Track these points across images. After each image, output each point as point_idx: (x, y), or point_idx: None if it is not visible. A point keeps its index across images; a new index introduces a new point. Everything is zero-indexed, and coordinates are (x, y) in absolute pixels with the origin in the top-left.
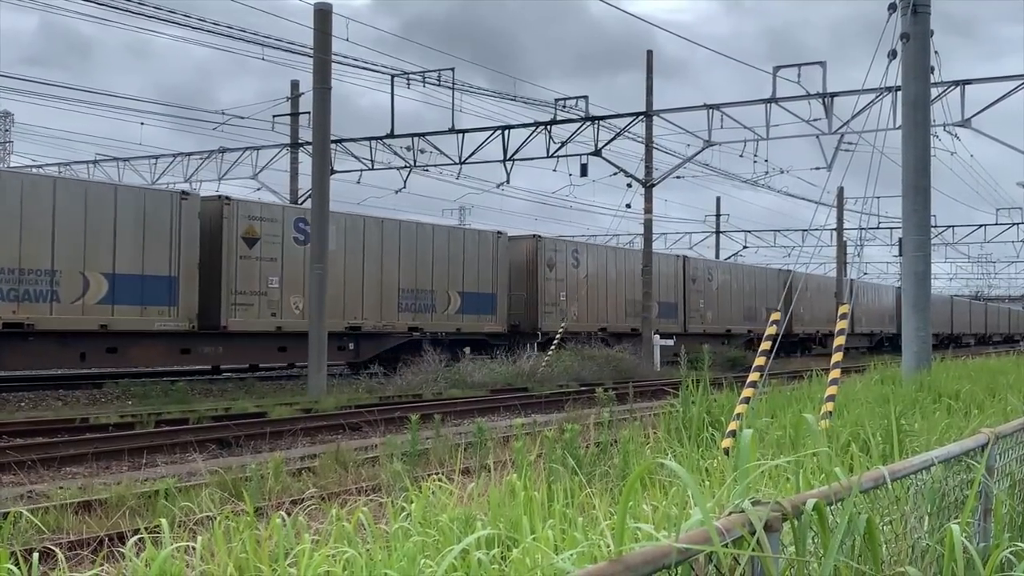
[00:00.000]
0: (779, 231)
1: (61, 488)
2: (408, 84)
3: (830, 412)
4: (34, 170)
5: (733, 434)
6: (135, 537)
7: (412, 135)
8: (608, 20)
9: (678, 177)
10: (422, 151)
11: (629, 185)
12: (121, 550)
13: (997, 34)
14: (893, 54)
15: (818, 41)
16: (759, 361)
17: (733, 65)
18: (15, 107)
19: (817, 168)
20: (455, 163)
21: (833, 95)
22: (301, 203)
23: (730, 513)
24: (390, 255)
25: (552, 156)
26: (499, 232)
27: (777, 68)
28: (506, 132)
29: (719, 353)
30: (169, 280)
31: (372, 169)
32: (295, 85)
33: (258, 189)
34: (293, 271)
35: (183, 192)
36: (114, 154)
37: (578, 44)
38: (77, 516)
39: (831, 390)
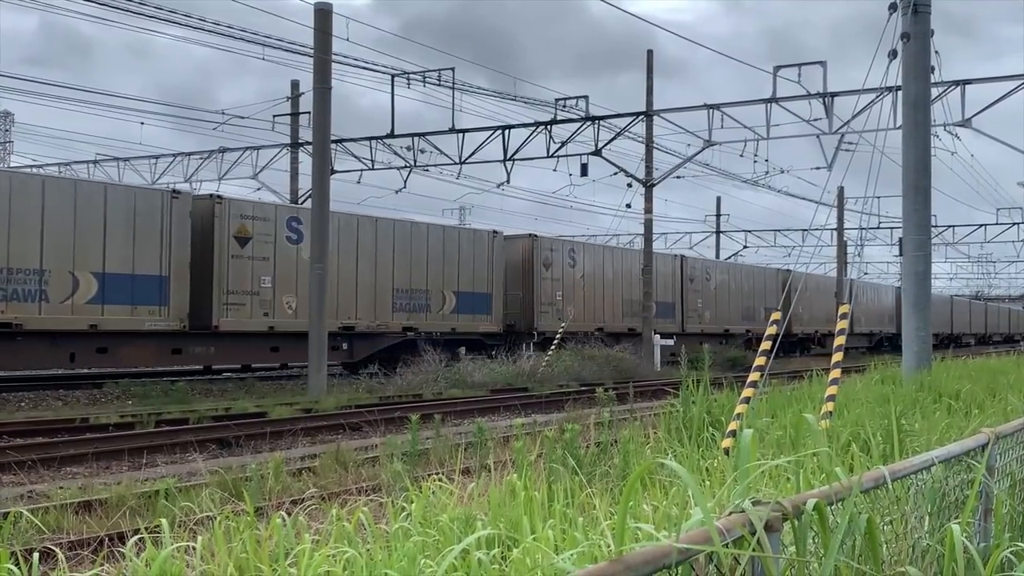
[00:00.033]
0: (779, 231)
1: (61, 488)
2: (408, 84)
3: (830, 412)
4: (34, 170)
5: (733, 434)
6: (135, 537)
7: (412, 135)
8: (608, 20)
9: (678, 177)
10: (422, 151)
11: (629, 185)
12: (121, 550)
13: (997, 34)
14: (893, 54)
15: (818, 41)
16: (759, 361)
17: (733, 65)
18: (15, 107)
19: (817, 168)
20: (455, 163)
21: (833, 95)
22: (301, 203)
23: (730, 513)
24: (384, 255)
25: (552, 156)
26: (494, 231)
27: (777, 68)
28: (506, 132)
29: (718, 353)
30: (160, 280)
31: (372, 169)
32: (295, 85)
33: (258, 189)
34: (286, 270)
35: (174, 191)
36: (114, 154)
37: (578, 44)
38: (77, 516)
39: (831, 390)
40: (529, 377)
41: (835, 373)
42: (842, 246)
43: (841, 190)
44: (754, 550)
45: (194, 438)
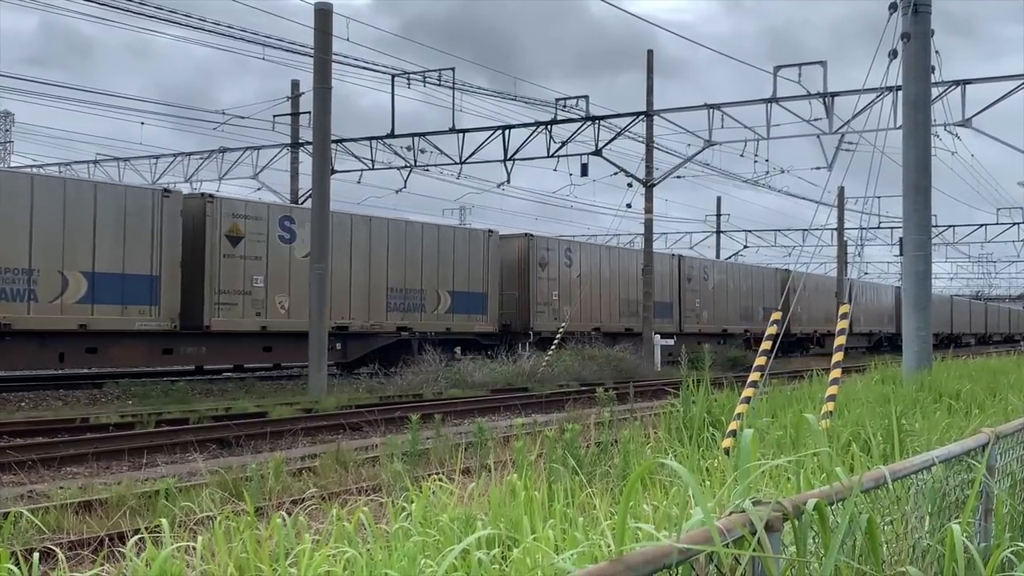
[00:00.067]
0: (780, 231)
1: (61, 488)
2: (408, 84)
3: (831, 412)
4: (35, 170)
5: (734, 434)
6: (135, 537)
7: (412, 135)
8: (609, 20)
9: (679, 177)
10: (422, 151)
11: (630, 185)
12: (121, 550)
13: (997, 34)
14: (894, 54)
15: (818, 41)
16: (759, 361)
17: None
18: (16, 107)
19: (818, 168)
20: (455, 163)
21: (834, 95)
22: (302, 203)
23: (731, 513)
24: (378, 254)
25: (552, 156)
26: (490, 231)
27: (778, 68)
28: (506, 132)
29: (718, 353)
30: (150, 279)
31: (372, 169)
32: (295, 85)
33: (259, 189)
34: (279, 270)
35: (165, 189)
36: (115, 154)
37: (578, 44)
38: (77, 516)
39: (832, 390)
40: (529, 377)
41: (835, 373)
42: (842, 246)
43: (841, 190)
44: (755, 550)
45: (194, 438)
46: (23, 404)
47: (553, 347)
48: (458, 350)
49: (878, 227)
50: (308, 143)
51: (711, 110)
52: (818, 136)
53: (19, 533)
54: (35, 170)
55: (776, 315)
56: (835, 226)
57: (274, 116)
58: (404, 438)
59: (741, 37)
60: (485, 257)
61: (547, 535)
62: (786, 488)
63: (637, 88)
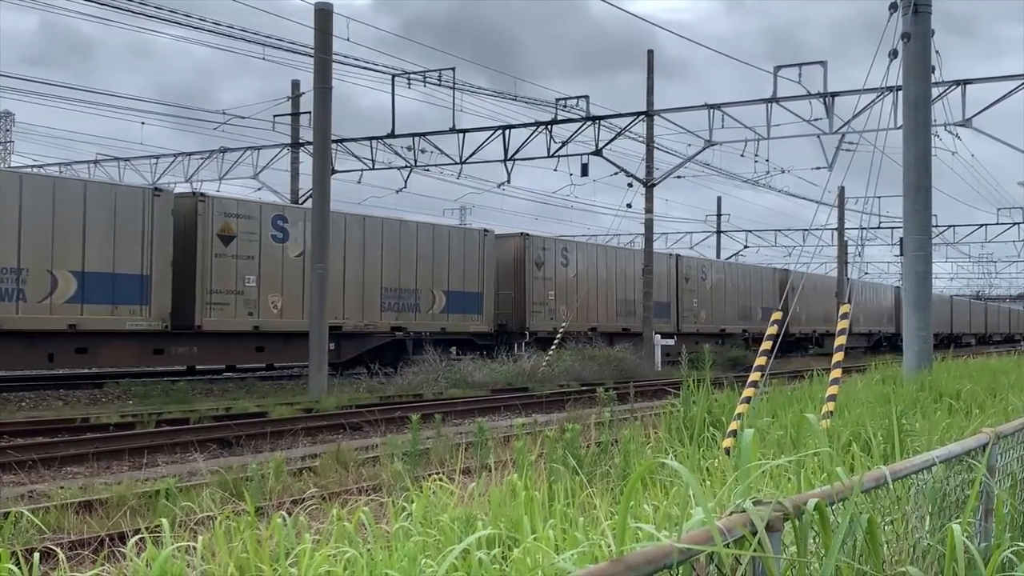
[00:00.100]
0: (780, 231)
1: (62, 488)
2: (409, 84)
3: (831, 412)
4: (35, 170)
5: (734, 434)
6: (136, 537)
7: (413, 135)
8: (609, 20)
9: (679, 177)
10: (423, 151)
11: (630, 185)
12: (122, 550)
13: (997, 34)
14: (894, 54)
15: (819, 40)
16: (760, 361)
17: (734, 65)
18: (16, 107)
19: (818, 168)
20: (456, 163)
21: (834, 95)
22: (302, 203)
23: (731, 513)
24: (372, 253)
25: (553, 156)
26: (485, 230)
27: (778, 68)
28: (507, 132)
29: (718, 353)
30: (141, 278)
31: (373, 169)
32: (296, 85)
33: (259, 189)
34: (271, 269)
35: (155, 188)
36: (115, 154)
37: (579, 44)
38: (78, 516)
39: (832, 390)
40: (529, 377)
41: (836, 373)
42: (843, 246)
43: (842, 190)
44: (755, 550)
45: (195, 438)
46: (23, 404)
47: (553, 347)
48: (454, 350)
49: (878, 227)
50: (308, 143)
51: (711, 110)
52: (818, 136)
53: (19, 533)
54: (35, 170)
55: (776, 315)
56: (835, 226)
57: (274, 116)
58: (404, 438)
59: (741, 37)
60: (480, 256)
61: (547, 535)
62: (787, 488)
63: (637, 88)
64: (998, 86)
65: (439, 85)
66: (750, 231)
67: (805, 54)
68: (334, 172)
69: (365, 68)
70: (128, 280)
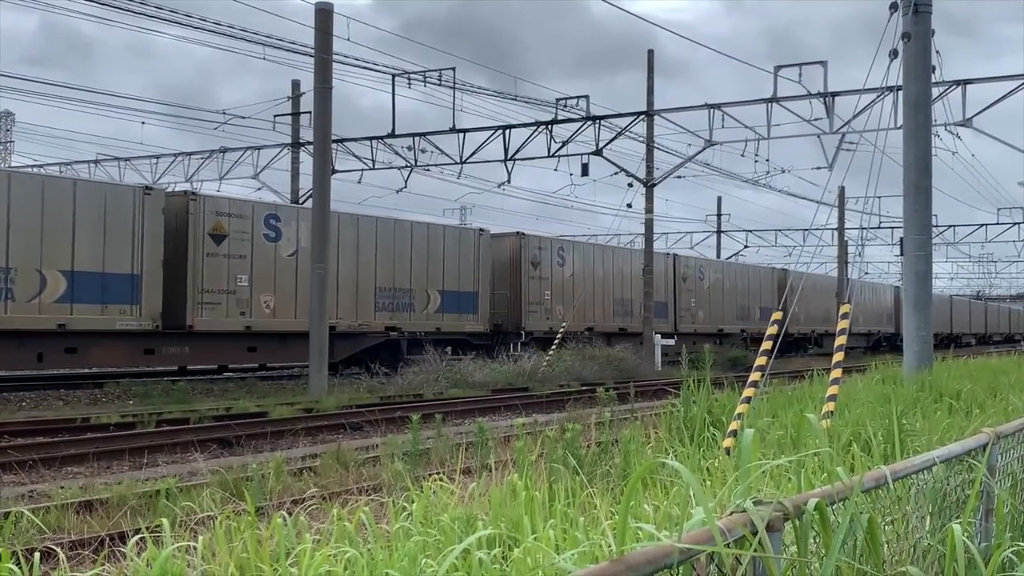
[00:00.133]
0: (780, 231)
1: (62, 488)
2: (409, 84)
3: (831, 412)
4: (35, 170)
5: (734, 434)
6: (136, 537)
7: (413, 135)
8: (609, 19)
9: (679, 177)
10: (423, 151)
11: (630, 185)
12: (122, 550)
13: (998, 34)
14: (894, 54)
15: (819, 40)
16: (760, 361)
17: (734, 65)
18: (16, 107)
19: (818, 168)
20: (456, 163)
21: (834, 95)
22: (302, 202)
23: (732, 513)
24: (366, 253)
25: (553, 156)
26: (481, 229)
27: (778, 68)
28: (507, 132)
29: (719, 353)
30: (131, 278)
31: (373, 169)
32: (296, 85)
33: (259, 189)
34: (264, 269)
35: (146, 187)
36: (115, 154)
37: (579, 44)
38: (78, 516)
39: (832, 390)
40: (530, 377)
41: (836, 373)
42: (843, 246)
43: (842, 190)
44: (756, 550)
45: (195, 438)
46: (24, 404)
47: (554, 347)
48: (449, 350)
49: (879, 227)
50: (309, 143)
51: (711, 110)
52: (818, 136)
53: (20, 533)
54: (35, 170)
55: (777, 315)
56: (835, 226)
57: (275, 116)
58: (405, 438)
59: (741, 37)
60: (476, 256)
61: (548, 535)
62: (787, 488)
63: (637, 88)
64: (998, 86)
65: (439, 85)
66: (750, 231)
67: (805, 54)
68: (334, 172)
69: (365, 68)
70: (118, 279)
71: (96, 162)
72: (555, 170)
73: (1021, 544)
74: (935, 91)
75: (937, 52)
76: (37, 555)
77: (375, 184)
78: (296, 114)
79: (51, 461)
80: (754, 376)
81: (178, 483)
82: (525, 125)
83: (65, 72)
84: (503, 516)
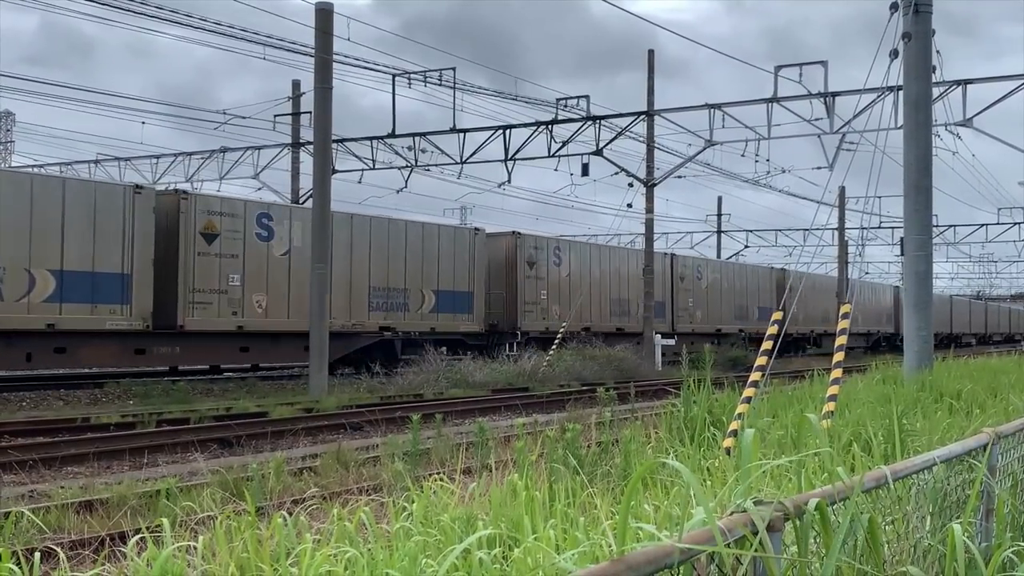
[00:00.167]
0: (781, 231)
1: (62, 488)
2: (409, 84)
3: (832, 412)
4: (35, 170)
5: (735, 434)
6: (136, 537)
7: (413, 135)
8: (609, 20)
9: (679, 177)
10: (423, 151)
11: (630, 185)
12: (122, 550)
13: (998, 34)
14: (894, 54)
15: (819, 40)
16: (760, 361)
17: (734, 65)
18: (17, 107)
19: (819, 168)
20: (456, 163)
21: (835, 95)
22: (303, 202)
23: (732, 513)
24: (360, 252)
25: (553, 156)
26: (476, 228)
27: (778, 67)
28: (507, 132)
29: (719, 353)
30: (122, 277)
31: (373, 169)
32: (296, 85)
33: (259, 188)
34: (256, 268)
35: (136, 186)
36: (116, 154)
37: (579, 44)
38: (78, 516)
39: (833, 390)
40: (530, 377)
41: (836, 373)
42: (843, 246)
43: (842, 190)
44: (756, 550)
45: (195, 438)
46: (24, 404)
47: (554, 347)
48: (444, 350)
49: (879, 227)
50: (309, 143)
51: (712, 110)
52: (819, 136)
53: (20, 533)
54: (36, 170)
55: (777, 315)
56: (836, 226)
57: (275, 116)
58: (405, 438)
59: (742, 37)
60: (471, 255)
61: (548, 535)
62: (787, 488)
63: (638, 88)
64: (998, 86)
65: (439, 85)
66: (751, 231)
67: (805, 54)
68: (335, 172)
69: (365, 68)
70: (108, 279)
71: (96, 162)
72: (555, 170)
73: (1021, 544)
74: (935, 91)
75: (937, 52)
76: (37, 555)
77: (375, 184)
78: (296, 114)
79: (51, 461)
80: (754, 376)
81: (178, 483)
82: (525, 125)
83: (65, 72)
84: (503, 516)
